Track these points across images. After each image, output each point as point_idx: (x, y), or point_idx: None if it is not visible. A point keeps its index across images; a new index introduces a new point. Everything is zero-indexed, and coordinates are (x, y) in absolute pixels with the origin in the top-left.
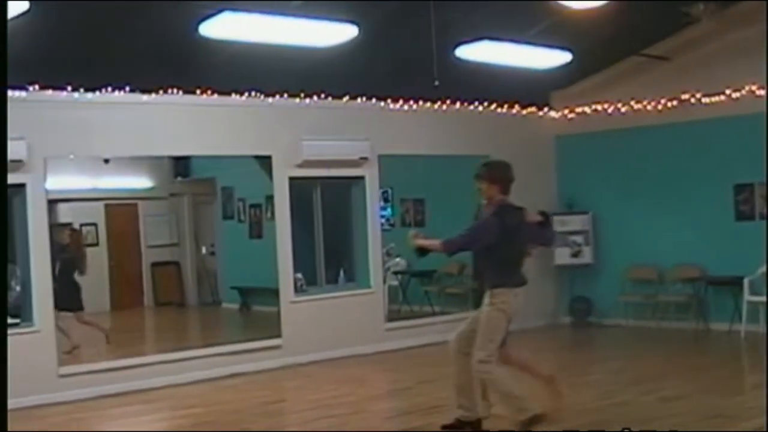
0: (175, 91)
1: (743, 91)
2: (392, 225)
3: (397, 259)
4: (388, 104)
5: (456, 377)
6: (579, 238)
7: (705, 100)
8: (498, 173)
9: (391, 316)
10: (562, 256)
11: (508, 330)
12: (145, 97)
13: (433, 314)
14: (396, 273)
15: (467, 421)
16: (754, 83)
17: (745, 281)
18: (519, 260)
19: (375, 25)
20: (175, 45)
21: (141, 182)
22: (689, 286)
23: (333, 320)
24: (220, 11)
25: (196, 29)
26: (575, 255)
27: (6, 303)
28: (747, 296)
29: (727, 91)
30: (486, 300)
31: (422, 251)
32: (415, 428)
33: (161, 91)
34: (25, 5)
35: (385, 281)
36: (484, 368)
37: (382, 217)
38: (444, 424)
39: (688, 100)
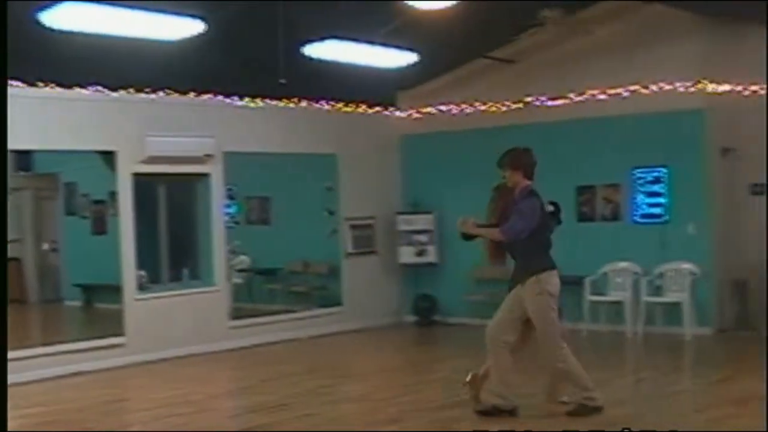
0: (16, 83)
1: (586, 95)
2: (237, 223)
3: (242, 257)
4: (235, 101)
5: (496, 366)
6: (424, 237)
7: (549, 103)
8: (520, 159)
9: (236, 314)
10: (406, 254)
11: None
12: None
13: (278, 312)
14: (241, 271)
15: (505, 409)
16: (595, 88)
17: (587, 281)
18: (551, 244)
19: (223, 21)
20: (15, 34)
21: None
22: None
23: (177, 318)
24: (60, 0)
25: (37, 18)
26: (420, 254)
27: (6, 301)
28: (588, 296)
29: (571, 95)
30: (531, 287)
31: (469, 237)
32: (259, 426)
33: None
34: None
35: (229, 279)
36: (562, 356)
37: (227, 214)
38: (479, 409)
39: (533, 102)
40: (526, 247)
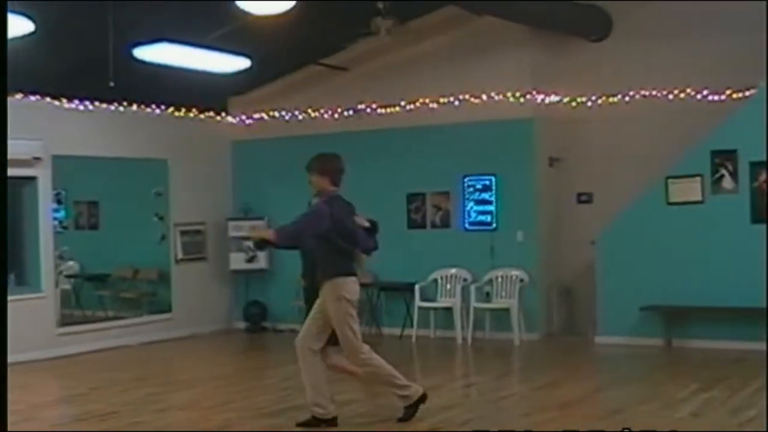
0: None
1: (417, 104)
2: (66, 227)
3: (71, 263)
4: (63, 103)
5: (307, 376)
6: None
7: (380, 110)
8: (328, 165)
9: (64, 321)
10: (236, 260)
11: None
12: None
13: (107, 319)
14: (69, 276)
15: (323, 418)
16: (427, 96)
17: (417, 287)
18: (351, 251)
19: (51, 21)
20: None
21: None
22: (362, 291)
23: None
24: None
25: None
26: (250, 260)
27: (6, 299)
28: (418, 302)
29: (402, 103)
30: (328, 292)
31: (261, 244)
32: None
33: None
34: None
35: (57, 285)
36: (367, 361)
37: (55, 219)
38: (299, 421)
39: (365, 109)
40: (323, 252)
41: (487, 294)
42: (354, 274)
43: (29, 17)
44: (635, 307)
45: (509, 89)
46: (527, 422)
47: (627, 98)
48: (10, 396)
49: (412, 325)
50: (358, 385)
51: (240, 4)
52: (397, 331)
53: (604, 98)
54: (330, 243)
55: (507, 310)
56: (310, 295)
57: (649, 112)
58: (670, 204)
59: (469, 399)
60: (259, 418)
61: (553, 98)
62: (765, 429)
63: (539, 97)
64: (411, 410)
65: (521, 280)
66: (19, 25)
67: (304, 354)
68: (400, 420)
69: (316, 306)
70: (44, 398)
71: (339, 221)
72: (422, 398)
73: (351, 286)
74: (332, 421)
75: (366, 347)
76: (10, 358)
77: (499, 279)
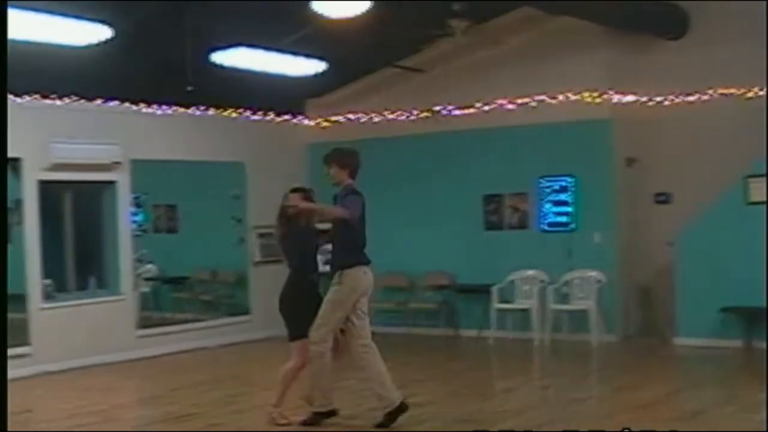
0: None
1: (494, 105)
2: (144, 231)
3: (149, 266)
4: (142, 108)
5: (371, 372)
6: (331, 246)
7: (457, 112)
8: (347, 159)
9: (143, 323)
10: None
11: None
12: None
13: (186, 321)
14: (148, 279)
15: (323, 411)
16: (503, 98)
17: (494, 289)
18: (365, 241)
19: (130, 27)
20: None
21: None
22: (439, 293)
23: (83, 327)
24: None
25: None
26: (328, 262)
27: (6, 300)
28: (495, 304)
29: (479, 105)
30: (336, 279)
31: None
32: None
33: None
34: None
35: (136, 288)
36: (362, 353)
37: (134, 222)
38: (300, 421)
39: (441, 111)
40: (342, 242)
41: (565, 295)
42: (367, 263)
43: (108, 24)
44: (714, 309)
45: (586, 89)
46: (605, 425)
47: (705, 97)
48: (93, 397)
49: (489, 327)
50: (434, 387)
51: (316, 7)
52: (474, 333)
53: (681, 97)
54: (354, 232)
55: (585, 312)
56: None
57: (727, 110)
58: (749, 204)
59: (546, 401)
60: (338, 419)
61: (630, 98)
62: (765, 429)
63: (616, 97)
64: (391, 417)
65: (599, 282)
66: (97, 32)
67: (359, 355)
68: (379, 426)
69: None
70: (124, 399)
71: (364, 211)
72: (402, 407)
73: (362, 275)
74: (331, 414)
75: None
76: (92, 359)
77: (577, 280)
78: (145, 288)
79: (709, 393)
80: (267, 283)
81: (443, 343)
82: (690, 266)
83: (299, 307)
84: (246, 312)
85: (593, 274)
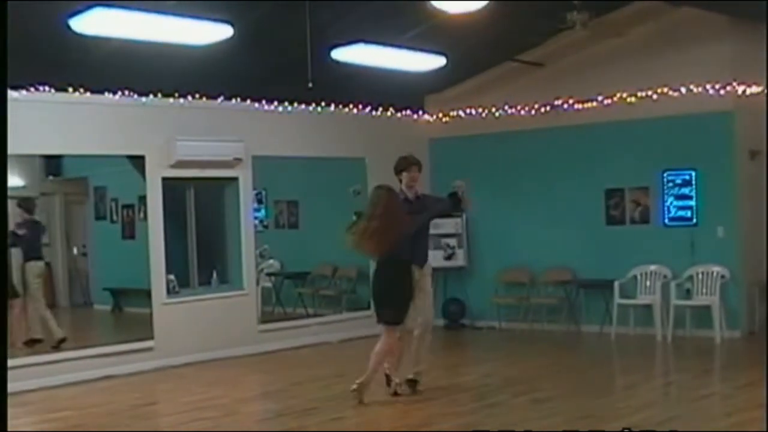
0: (45, 88)
1: (614, 98)
2: (266, 227)
3: (271, 261)
4: (263, 105)
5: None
6: (452, 241)
7: (577, 106)
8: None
9: (265, 318)
10: (435, 258)
11: None
12: (15, 94)
13: (307, 316)
14: (269, 275)
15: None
16: (624, 91)
17: (616, 284)
18: None
19: (250, 26)
20: (45, 40)
21: (11, 181)
22: (561, 288)
23: (206, 322)
24: (91, 6)
25: (67, 24)
26: (449, 258)
27: (6, 300)
28: (617, 299)
29: (599, 98)
30: (428, 268)
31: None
32: (289, 430)
33: (32, 88)
34: None
35: (258, 283)
36: None
37: (256, 218)
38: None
39: (561, 105)
40: (422, 240)
41: (688, 291)
42: None
43: (229, 23)
44: None
45: (708, 81)
46: (729, 422)
47: None
48: (216, 391)
49: (611, 323)
50: (555, 382)
51: (435, 4)
52: (596, 329)
53: None
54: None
55: (708, 308)
56: None
57: None
58: None
59: (669, 397)
60: (458, 416)
61: (754, 89)
62: (765, 429)
63: (740, 89)
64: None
65: (722, 277)
66: (218, 31)
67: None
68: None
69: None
70: (247, 393)
71: None
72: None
73: None
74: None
75: None
76: (215, 354)
77: (700, 275)
78: (267, 283)
79: None
80: None
81: (564, 339)
82: None
83: (403, 295)
84: (367, 307)
85: (716, 269)
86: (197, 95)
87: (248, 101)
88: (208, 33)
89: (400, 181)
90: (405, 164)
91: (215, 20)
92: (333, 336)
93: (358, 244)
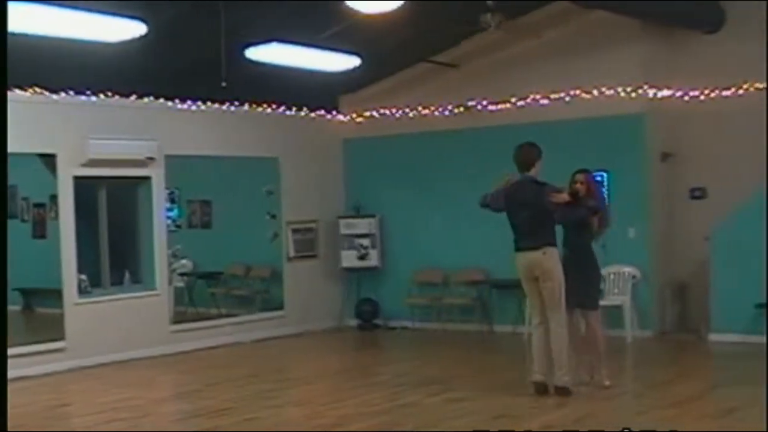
0: None
1: (528, 100)
2: (179, 226)
3: (184, 261)
4: (176, 104)
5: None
6: (366, 241)
7: (491, 107)
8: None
9: (177, 318)
10: (348, 258)
11: None
12: None
13: (220, 316)
14: (182, 275)
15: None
16: (538, 92)
17: None
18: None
19: (165, 23)
20: None
21: None
22: (474, 289)
23: (118, 322)
24: None
25: None
26: (362, 258)
27: (6, 301)
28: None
29: (513, 99)
30: None
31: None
32: (203, 430)
33: None
34: None
35: (171, 283)
36: None
37: (169, 218)
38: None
39: (475, 106)
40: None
41: (600, 291)
42: (517, 250)
43: (142, 20)
44: (750, 305)
45: (620, 84)
46: (640, 421)
47: (741, 91)
48: (130, 392)
49: (523, 323)
50: (469, 382)
51: (350, 4)
52: (509, 328)
53: (717, 91)
54: None
55: (619, 308)
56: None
57: (763, 104)
58: None
59: (581, 396)
60: (372, 416)
61: (665, 92)
62: (765, 429)
63: (651, 92)
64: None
65: (634, 277)
66: (132, 28)
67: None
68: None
69: None
70: (161, 394)
71: None
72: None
73: (517, 261)
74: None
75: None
76: (126, 354)
77: (612, 276)
78: (180, 283)
79: (744, 390)
80: (301, 278)
81: (477, 339)
82: (725, 262)
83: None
84: (280, 307)
85: (628, 269)
86: (110, 93)
87: (162, 100)
88: (122, 30)
89: (533, 169)
90: (540, 153)
91: (129, 17)
92: (246, 336)
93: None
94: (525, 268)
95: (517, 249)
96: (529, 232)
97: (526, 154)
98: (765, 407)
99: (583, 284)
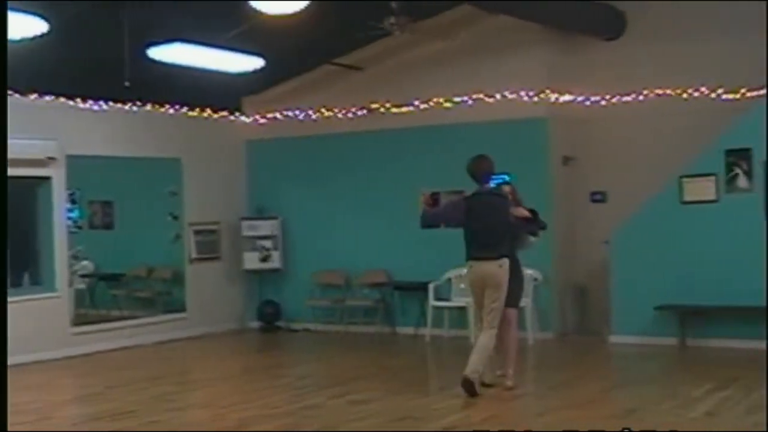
0: None
1: (431, 103)
2: (80, 227)
3: (85, 262)
4: (79, 103)
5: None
6: (268, 243)
7: (394, 110)
8: (471, 165)
9: (78, 320)
10: (250, 260)
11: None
12: None
13: (122, 318)
14: (83, 276)
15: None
16: (441, 96)
17: (431, 287)
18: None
19: (66, 22)
20: None
21: None
22: (376, 291)
23: (17, 325)
24: None
25: None
26: (264, 260)
27: (6, 300)
28: (432, 301)
29: (416, 102)
30: None
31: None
32: None
33: None
34: None
35: (71, 284)
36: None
37: (70, 219)
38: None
39: (379, 109)
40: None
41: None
42: (473, 258)
43: (44, 18)
44: (649, 307)
45: (523, 88)
46: (542, 422)
47: (641, 97)
48: (29, 395)
49: (426, 325)
50: (372, 384)
51: (254, 4)
52: (411, 331)
53: (618, 97)
54: (465, 230)
55: (521, 309)
56: None
57: (663, 110)
58: (684, 203)
59: (483, 398)
60: (274, 418)
61: (567, 97)
62: (765, 429)
63: (553, 96)
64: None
65: (535, 279)
66: (33, 26)
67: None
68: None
69: None
70: (61, 397)
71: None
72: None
73: (471, 270)
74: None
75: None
76: (26, 357)
77: None
78: (81, 285)
79: (644, 390)
80: (203, 280)
81: (380, 341)
82: (625, 265)
83: None
84: (182, 309)
85: (529, 272)
86: (10, 91)
87: (64, 99)
88: (23, 27)
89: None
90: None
91: (30, 14)
92: (148, 338)
93: None
94: (479, 278)
95: (472, 258)
96: (489, 244)
97: (485, 166)
98: (765, 407)
99: (513, 286)
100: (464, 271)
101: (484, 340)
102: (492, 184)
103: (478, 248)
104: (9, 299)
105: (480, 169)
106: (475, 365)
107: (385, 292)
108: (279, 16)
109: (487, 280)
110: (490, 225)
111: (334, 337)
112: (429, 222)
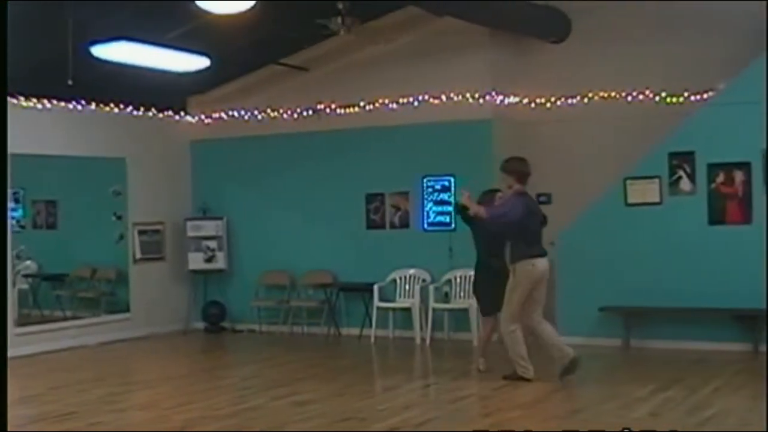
0: None
1: (376, 104)
2: (23, 227)
3: (28, 262)
4: (21, 101)
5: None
6: (213, 243)
7: (340, 110)
8: (512, 165)
9: (21, 321)
10: (195, 260)
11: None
12: None
13: (65, 319)
14: (26, 276)
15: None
16: (387, 97)
17: (375, 288)
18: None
19: (8, 17)
20: None
21: None
22: (321, 291)
23: None
24: None
25: None
26: (209, 260)
27: (6, 302)
28: (377, 302)
29: (362, 103)
30: (513, 270)
31: (464, 211)
32: None
33: None
34: None
35: (14, 285)
36: (511, 334)
37: (13, 218)
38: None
39: (324, 109)
40: (512, 238)
41: (446, 294)
42: (535, 256)
43: None
44: (594, 308)
45: (468, 90)
46: (487, 422)
47: (586, 99)
48: None
49: (371, 326)
50: (317, 385)
51: (200, 4)
52: (356, 332)
53: (563, 99)
54: (518, 229)
55: (466, 311)
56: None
57: (607, 113)
58: (628, 205)
59: (428, 399)
60: (218, 419)
61: (512, 99)
62: (765, 429)
63: (498, 98)
64: (569, 368)
65: None
66: None
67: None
68: (563, 374)
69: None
70: None
71: (530, 214)
72: (528, 379)
73: (529, 267)
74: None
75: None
76: None
77: (458, 279)
78: (24, 285)
79: (589, 391)
80: (147, 280)
81: (325, 342)
82: (569, 266)
83: (485, 288)
84: (126, 310)
85: (472, 273)
86: None
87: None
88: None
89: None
90: None
91: None
92: (92, 339)
93: None
94: (541, 274)
95: (541, 255)
96: (541, 241)
97: (527, 166)
98: (765, 407)
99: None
100: (410, 271)
101: (549, 329)
102: (437, 186)
103: (539, 245)
104: None
105: (527, 169)
106: (562, 350)
107: (330, 293)
108: (225, 16)
109: (546, 275)
110: (541, 223)
111: (279, 337)
112: (494, 220)
